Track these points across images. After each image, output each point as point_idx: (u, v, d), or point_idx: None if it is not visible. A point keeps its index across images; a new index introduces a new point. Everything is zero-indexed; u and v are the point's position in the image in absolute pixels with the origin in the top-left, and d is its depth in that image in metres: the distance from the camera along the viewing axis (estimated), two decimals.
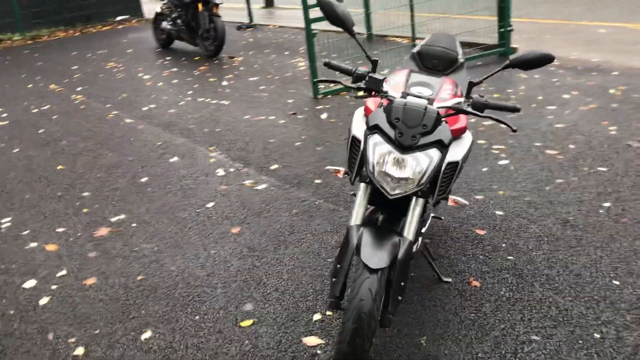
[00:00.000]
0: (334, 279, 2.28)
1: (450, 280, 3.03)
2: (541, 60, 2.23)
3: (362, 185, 2.41)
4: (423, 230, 2.78)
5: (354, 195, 3.20)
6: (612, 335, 2.55)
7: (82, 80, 8.16)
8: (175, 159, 5.00)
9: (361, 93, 2.43)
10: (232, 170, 4.66)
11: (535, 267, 3.08)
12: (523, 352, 2.51)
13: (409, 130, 2.21)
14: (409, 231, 2.31)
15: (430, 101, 2.34)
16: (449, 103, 2.34)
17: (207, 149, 5.18)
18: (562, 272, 3.02)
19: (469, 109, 2.30)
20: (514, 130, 2.30)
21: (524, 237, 3.35)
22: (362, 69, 2.42)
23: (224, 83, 7.36)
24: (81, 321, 2.97)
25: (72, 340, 2.83)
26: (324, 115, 5.78)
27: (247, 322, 2.85)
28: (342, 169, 2.98)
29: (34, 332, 2.91)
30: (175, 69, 8.35)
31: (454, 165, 2.41)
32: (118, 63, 9.09)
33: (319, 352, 2.61)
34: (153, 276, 3.31)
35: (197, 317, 2.92)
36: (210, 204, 4.11)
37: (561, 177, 4.02)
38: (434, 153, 2.24)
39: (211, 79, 7.60)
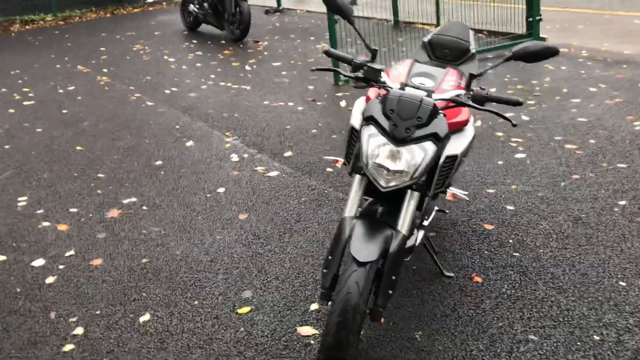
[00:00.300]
0: (324, 270, 2.26)
1: (452, 274, 2.98)
2: (544, 53, 2.16)
3: (357, 176, 2.38)
4: (426, 223, 2.74)
5: None
6: (612, 338, 2.48)
7: (108, 61, 8.25)
8: (191, 143, 5.02)
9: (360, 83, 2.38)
10: (245, 156, 4.67)
11: (540, 264, 3.01)
12: (519, 352, 2.46)
13: (403, 122, 2.16)
14: (403, 225, 2.28)
15: (430, 93, 2.29)
16: (448, 95, 2.28)
17: (224, 134, 5.19)
18: (568, 270, 2.94)
19: (469, 102, 2.24)
20: (514, 125, 2.24)
21: (532, 234, 3.28)
22: (361, 58, 2.37)
23: (247, 68, 7.35)
24: (83, 301, 3.02)
25: (73, 319, 2.88)
26: (343, 103, 5.74)
27: (244, 309, 2.86)
28: (341, 160, 2.95)
29: (38, 311, 2.97)
30: (200, 53, 8.38)
31: (452, 159, 2.36)
32: (145, 45, 9.16)
33: (312, 342, 2.61)
34: (157, 259, 3.34)
35: (195, 302, 2.94)
36: (221, 189, 4.12)
37: (578, 172, 3.91)
38: (429, 146, 2.19)
39: (234, 64, 7.60)
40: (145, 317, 2.86)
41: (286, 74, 6.95)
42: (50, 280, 3.22)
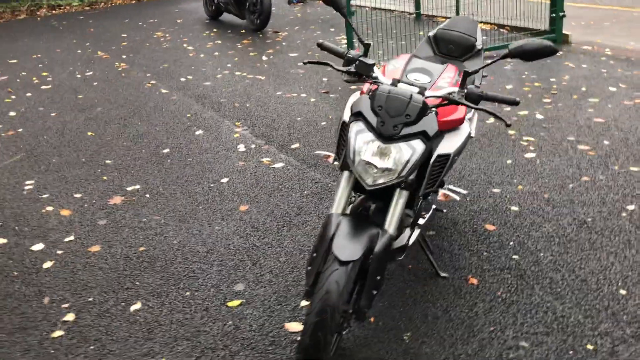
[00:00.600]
0: (308, 268, 2.22)
1: (447, 275, 2.92)
2: (541, 52, 2.08)
3: (346, 173, 2.33)
4: (421, 222, 2.68)
5: None
6: (606, 348, 2.40)
7: (128, 48, 8.29)
8: (200, 132, 5.01)
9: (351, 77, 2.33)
10: (253, 146, 4.64)
11: (539, 268, 2.93)
12: (508, 358, 2.40)
13: (391, 119, 2.11)
14: (390, 224, 2.22)
15: (423, 89, 2.22)
16: (440, 93, 2.22)
17: (234, 123, 5.17)
18: (567, 276, 2.86)
19: (462, 100, 2.17)
20: (508, 125, 2.16)
21: (534, 236, 3.20)
22: (354, 52, 2.32)
23: (264, 58, 7.32)
24: (77, 288, 3.03)
25: (66, 305, 2.89)
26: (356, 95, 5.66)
27: (234, 302, 2.84)
28: (332, 155, 2.90)
29: (32, 295, 2.99)
30: (219, 42, 8.37)
31: (444, 158, 2.29)
32: (166, 33, 9.18)
33: (299, 339, 2.57)
34: (154, 248, 3.33)
35: (187, 294, 2.93)
36: (225, 180, 4.11)
37: (588, 174, 3.81)
38: (417, 145, 2.13)
39: (252, 53, 7.57)
40: (136, 306, 2.86)
41: (302, 65, 6.90)
42: (47, 265, 3.24)
